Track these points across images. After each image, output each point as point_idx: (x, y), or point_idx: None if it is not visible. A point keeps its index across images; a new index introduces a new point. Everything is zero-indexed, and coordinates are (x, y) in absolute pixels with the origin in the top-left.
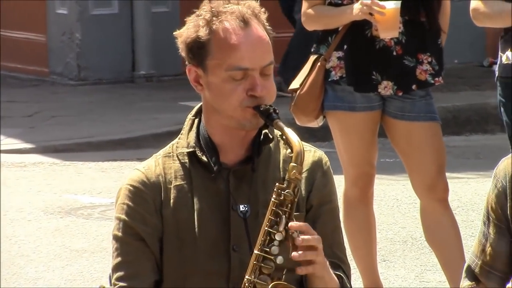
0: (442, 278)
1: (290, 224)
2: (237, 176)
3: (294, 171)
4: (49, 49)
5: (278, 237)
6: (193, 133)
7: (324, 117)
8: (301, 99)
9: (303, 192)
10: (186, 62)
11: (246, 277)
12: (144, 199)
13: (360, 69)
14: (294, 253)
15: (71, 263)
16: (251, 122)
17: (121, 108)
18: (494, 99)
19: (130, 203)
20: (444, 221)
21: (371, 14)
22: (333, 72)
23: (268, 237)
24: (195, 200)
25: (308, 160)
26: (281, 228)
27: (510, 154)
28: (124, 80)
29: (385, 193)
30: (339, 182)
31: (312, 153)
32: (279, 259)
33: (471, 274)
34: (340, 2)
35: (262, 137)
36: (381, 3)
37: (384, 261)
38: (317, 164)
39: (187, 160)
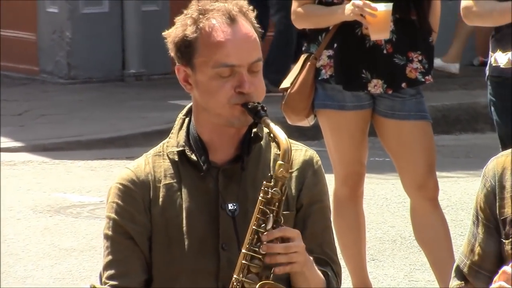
0: (431, 277)
1: (264, 238)
2: (226, 175)
3: (281, 169)
4: (39, 47)
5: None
6: (183, 132)
7: (315, 116)
8: (292, 98)
9: (293, 191)
10: (176, 62)
11: (234, 276)
12: (133, 197)
13: (350, 67)
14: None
15: (60, 262)
16: (240, 119)
17: (111, 106)
18: (484, 98)
19: (119, 202)
20: (434, 220)
21: (362, 15)
22: (323, 71)
23: (256, 236)
24: (184, 198)
25: (299, 159)
26: (269, 227)
27: (500, 154)
28: (114, 78)
29: (374, 192)
30: (330, 181)
31: (303, 152)
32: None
33: (460, 274)
34: (330, 1)
35: (252, 135)
36: (373, 5)
37: (373, 260)
38: (308, 163)
39: (176, 159)
